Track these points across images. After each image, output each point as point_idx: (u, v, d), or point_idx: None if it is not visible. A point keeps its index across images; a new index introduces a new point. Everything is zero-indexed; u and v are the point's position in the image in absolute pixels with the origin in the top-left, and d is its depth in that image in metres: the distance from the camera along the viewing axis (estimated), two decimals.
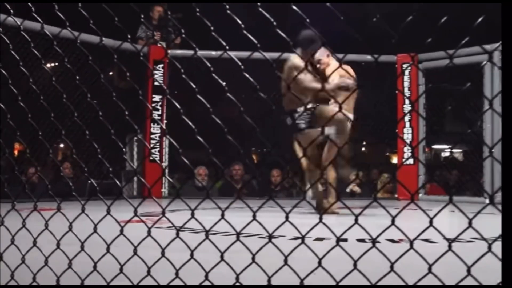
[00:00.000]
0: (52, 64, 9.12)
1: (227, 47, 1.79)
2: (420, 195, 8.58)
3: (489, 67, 7.73)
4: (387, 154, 14.21)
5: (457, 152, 14.21)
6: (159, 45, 8.76)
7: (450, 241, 1.35)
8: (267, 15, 1.66)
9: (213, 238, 1.78)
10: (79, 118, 2.25)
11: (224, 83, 1.81)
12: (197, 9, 1.79)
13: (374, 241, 1.47)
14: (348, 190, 9.00)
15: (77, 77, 2.14)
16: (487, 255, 1.35)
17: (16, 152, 11.00)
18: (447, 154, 17.17)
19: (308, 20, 1.61)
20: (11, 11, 2.53)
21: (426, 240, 3.22)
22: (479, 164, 8.22)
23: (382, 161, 12.85)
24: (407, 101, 8.71)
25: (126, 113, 1.93)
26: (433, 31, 1.56)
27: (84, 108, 6.66)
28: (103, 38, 2.18)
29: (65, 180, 5.76)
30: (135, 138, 8.42)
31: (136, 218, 2.00)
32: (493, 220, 1.35)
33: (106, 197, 2.04)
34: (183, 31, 2.17)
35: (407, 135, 8.75)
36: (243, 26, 1.72)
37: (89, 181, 7.85)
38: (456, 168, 10.08)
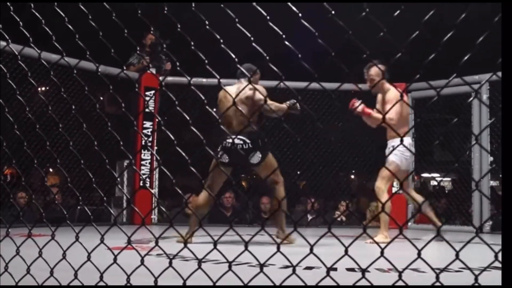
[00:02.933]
0: (42, 89, 9.15)
1: (219, 79, 1.83)
2: (409, 223, 8.60)
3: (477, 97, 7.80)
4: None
5: (446, 181, 14.25)
6: (150, 71, 8.80)
7: (438, 272, 1.38)
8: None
9: (204, 266, 1.80)
10: (70, 145, 2.27)
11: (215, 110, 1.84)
12: (192, 42, 1.82)
13: (363, 271, 1.49)
14: (338, 219, 9.01)
15: (73, 107, 2.16)
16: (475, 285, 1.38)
17: (6, 176, 10.95)
18: (436, 182, 17.22)
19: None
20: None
21: (415, 270, 3.24)
22: (468, 193, 8.26)
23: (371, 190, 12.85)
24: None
25: (121, 143, 1.95)
26: (423, 64, 1.60)
27: (74, 134, 6.70)
28: (95, 64, 2.21)
29: (54, 206, 5.77)
30: (125, 164, 8.43)
31: (129, 246, 2.01)
32: (481, 250, 1.38)
33: (95, 223, 2.05)
34: (172, 59, 2.20)
35: None
36: (236, 59, 1.75)
37: (79, 207, 7.84)
38: (445, 197, 10.11)
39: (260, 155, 5.34)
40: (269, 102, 5.36)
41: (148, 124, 8.56)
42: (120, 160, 8.51)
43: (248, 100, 5.29)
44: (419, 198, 5.97)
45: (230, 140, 5.31)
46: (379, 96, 6.02)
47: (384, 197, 5.73)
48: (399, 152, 5.82)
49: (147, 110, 8.50)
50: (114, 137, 2.06)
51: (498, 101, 7.33)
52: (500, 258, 1.37)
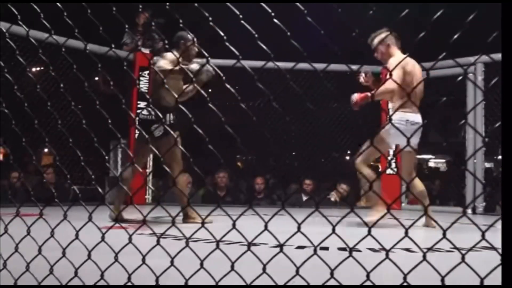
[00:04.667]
0: (36, 69, 9.10)
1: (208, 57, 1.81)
2: (403, 204, 8.64)
3: (472, 77, 7.81)
4: (372, 163, 14.27)
5: (440, 162, 14.31)
6: (144, 51, 8.76)
7: (425, 251, 1.38)
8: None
9: (193, 245, 1.80)
10: (62, 124, 2.26)
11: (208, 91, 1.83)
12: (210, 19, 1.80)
13: (351, 250, 1.49)
14: (332, 199, 9.03)
15: (62, 86, 2.14)
16: (464, 265, 1.38)
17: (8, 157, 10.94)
18: (430, 164, 17.30)
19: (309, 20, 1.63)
20: None
21: (407, 250, 3.25)
22: (461, 174, 8.29)
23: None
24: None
25: (109, 121, 1.94)
26: (417, 42, 1.59)
27: (67, 114, 6.66)
28: (88, 44, 2.20)
29: (48, 186, 5.76)
30: (119, 144, 8.42)
31: (117, 225, 2.01)
32: (474, 231, 1.37)
33: (89, 202, 2.05)
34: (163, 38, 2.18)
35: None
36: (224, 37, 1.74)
37: (72, 187, 7.84)
38: (439, 178, 10.15)
39: (162, 131, 5.13)
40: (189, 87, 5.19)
41: (142, 104, 8.54)
42: (114, 140, 8.50)
43: (163, 73, 4.96)
44: (372, 175, 5.51)
45: (144, 112, 5.34)
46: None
47: (365, 170, 5.40)
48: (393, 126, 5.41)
49: (141, 90, 8.49)
50: (109, 116, 2.05)
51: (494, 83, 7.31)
52: (487, 237, 1.37)
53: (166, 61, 5.32)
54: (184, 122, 4.97)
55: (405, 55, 5.16)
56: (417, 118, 5.31)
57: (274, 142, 8.77)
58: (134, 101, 8.55)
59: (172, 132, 4.88)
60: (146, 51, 8.76)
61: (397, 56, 5.37)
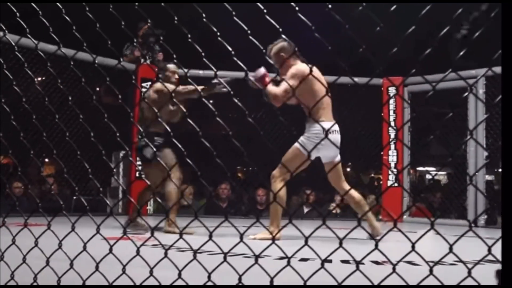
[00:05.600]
0: (39, 79, 9.13)
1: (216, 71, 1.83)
2: (405, 217, 8.63)
3: (473, 90, 7.83)
4: (372, 175, 14.29)
5: (442, 175, 14.30)
6: (144, 62, 8.80)
7: (432, 265, 1.39)
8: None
9: (199, 257, 1.81)
10: (68, 135, 2.27)
11: (211, 102, 1.85)
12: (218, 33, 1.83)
13: (358, 263, 1.51)
14: (333, 210, 9.03)
15: (70, 99, 2.16)
16: (469, 278, 1.39)
17: (8, 166, 10.94)
18: (431, 176, 17.29)
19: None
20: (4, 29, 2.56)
21: (409, 263, 3.26)
22: (463, 187, 8.30)
23: (367, 182, 12.92)
24: (392, 123, 8.81)
25: (118, 134, 1.96)
26: (420, 56, 1.61)
27: (72, 125, 6.67)
28: (92, 55, 2.22)
29: (50, 196, 5.78)
30: (121, 155, 8.45)
31: (123, 236, 2.02)
32: (476, 243, 1.39)
33: (92, 213, 2.06)
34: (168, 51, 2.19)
35: (392, 157, 8.82)
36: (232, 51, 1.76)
37: (74, 197, 7.86)
38: (440, 191, 10.14)
39: (151, 152, 5.45)
40: (179, 88, 5.42)
41: None
42: (116, 151, 8.52)
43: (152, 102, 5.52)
44: (357, 195, 5.25)
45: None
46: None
47: (276, 185, 5.07)
48: (311, 138, 5.01)
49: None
50: (111, 128, 2.07)
51: (494, 96, 7.34)
52: (493, 252, 1.39)
53: (151, 91, 5.77)
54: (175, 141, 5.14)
55: (306, 65, 4.97)
56: (334, 126, 5.13)
57: (277, 153, 8.78)
58: (136, 112, 8.57)
59: (157, 153, 5.44)
60: (146, 62, 8.80)
61: (298, 66, 5.08)
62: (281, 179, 5.13)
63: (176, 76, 5.86)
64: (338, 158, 5.33)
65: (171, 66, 5.85)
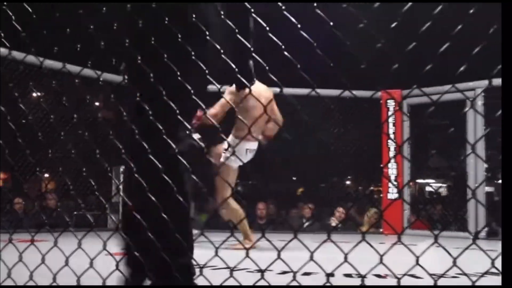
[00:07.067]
0: (39, 94, 9.15)
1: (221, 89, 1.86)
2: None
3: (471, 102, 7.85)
4: (371, 188, 14.27)
5: (442, 187, 14.30)
6: None
7: (437, 279, 1.41)
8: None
9: (205, 272, 1.83)
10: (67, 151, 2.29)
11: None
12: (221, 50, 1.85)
13: (363, 277, 1.52)
14: (333, 224, 9.03)
15: (75, 115, 2.18)
16: None
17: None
18: (431, 188, 17.29)
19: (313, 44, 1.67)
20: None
21: (412, 276, 3.26)
22: (463, 199, 8.30)
23: (366, 195, 12.91)
24: (391, 136, 8.82)
25: (123, 151, 1.98)
26: (419, 73, 1.63)
27: (70, 140, 6.68)
28: (96, 72, 2.24)
29: (50, 212, 5.80)
30: (121, 170, 8.45)
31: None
32: (477, 255, 1.41)
33: (90, 228, 2.07)
34: None
35: (392, 170, 8.83)
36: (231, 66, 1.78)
37: (75, 213, 7.86)
38: (440, 203, 10.14)
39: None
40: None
41: None
42: (116, 166, 8.52)
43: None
44: (236, 206, 5.63)
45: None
46: None
47: (232, 204, 5.53)
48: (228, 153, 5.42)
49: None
50: (109, 143, 2.09)
51: (493, 108, 7.35)
52: (496, 264, 1.40)
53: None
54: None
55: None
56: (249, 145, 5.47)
57: (278, 167, 8.79)
58: None
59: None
60: None
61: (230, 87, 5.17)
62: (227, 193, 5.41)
63: None
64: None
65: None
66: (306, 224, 8.99)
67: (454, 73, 1.67)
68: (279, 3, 1.74)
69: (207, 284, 1.79)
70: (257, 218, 8.95)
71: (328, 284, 1.55)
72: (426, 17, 1.62)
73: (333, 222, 9.10)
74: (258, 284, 1.71)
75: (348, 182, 13.83)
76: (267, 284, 1.70)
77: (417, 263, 1.42)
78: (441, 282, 1.43)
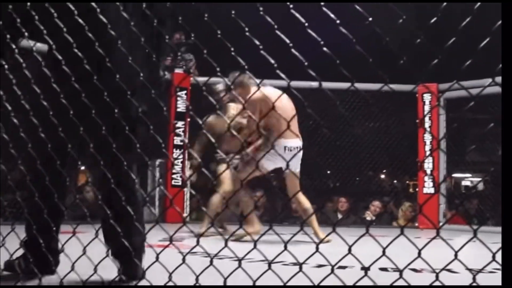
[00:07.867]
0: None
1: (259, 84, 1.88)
2: (441, 223, 8.55)
3: None
4: (407, 182, 14.16)
5: (479, 182, 14.11)
6: (177, 71, 8.90)
7: (475, 274, 1.41)
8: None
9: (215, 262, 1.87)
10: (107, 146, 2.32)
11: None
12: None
13: (401, 272, 1.53)
14: (368, 218, 9.01)
15: (116, 111, 2.22)
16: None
17: None
18: (467, 183, 17.07)
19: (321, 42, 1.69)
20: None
21: (448, 270, 3.25)
22: (500, 193, 8.18)
23: (401, 189, 12.83)
24: (428, 129, 8.74)
25: (163, 145, 2.01)
26: (459, 68, 1.63)
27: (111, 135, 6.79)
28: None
29: (83, 205, 5.86)
30: (157, 163, 8.56)
31: (161, 243, 2.08)
32: None
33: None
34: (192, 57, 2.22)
35: (428, 164, 8.75)
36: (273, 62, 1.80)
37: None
38: (477, 197, 10.02)
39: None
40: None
41: (180, 123, 8.65)
42: (151, 160, 8.62)
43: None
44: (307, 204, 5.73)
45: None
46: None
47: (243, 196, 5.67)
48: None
49: (178, 110, 8.61)
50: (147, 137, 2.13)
51: None
52: None
53: None
54: None
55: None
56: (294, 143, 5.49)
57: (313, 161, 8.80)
58: (171, 120, 8.66)
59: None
60: (179, 71, 8.90)
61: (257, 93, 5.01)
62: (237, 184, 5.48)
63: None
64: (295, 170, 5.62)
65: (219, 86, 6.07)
66: (340, 218, 8.97)
67: (492, 68, 1.66)
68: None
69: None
70: (291, 211, 8.92)
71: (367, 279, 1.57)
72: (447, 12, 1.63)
73: (368, 216, 9.07)
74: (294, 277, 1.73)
75: (383, 176, 13.75)
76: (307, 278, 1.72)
77: (456, 258, 1.43)
78: (478, 277, 1.44)
